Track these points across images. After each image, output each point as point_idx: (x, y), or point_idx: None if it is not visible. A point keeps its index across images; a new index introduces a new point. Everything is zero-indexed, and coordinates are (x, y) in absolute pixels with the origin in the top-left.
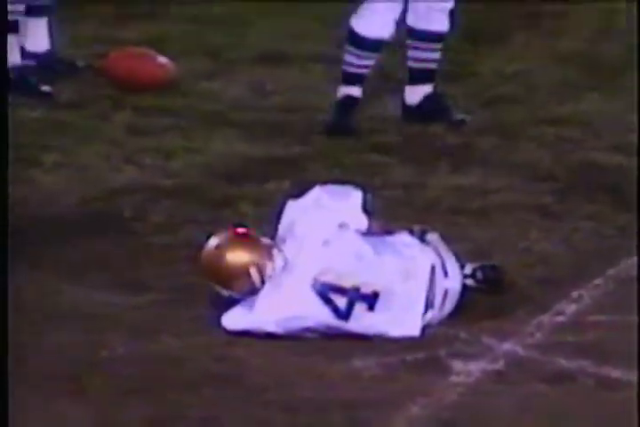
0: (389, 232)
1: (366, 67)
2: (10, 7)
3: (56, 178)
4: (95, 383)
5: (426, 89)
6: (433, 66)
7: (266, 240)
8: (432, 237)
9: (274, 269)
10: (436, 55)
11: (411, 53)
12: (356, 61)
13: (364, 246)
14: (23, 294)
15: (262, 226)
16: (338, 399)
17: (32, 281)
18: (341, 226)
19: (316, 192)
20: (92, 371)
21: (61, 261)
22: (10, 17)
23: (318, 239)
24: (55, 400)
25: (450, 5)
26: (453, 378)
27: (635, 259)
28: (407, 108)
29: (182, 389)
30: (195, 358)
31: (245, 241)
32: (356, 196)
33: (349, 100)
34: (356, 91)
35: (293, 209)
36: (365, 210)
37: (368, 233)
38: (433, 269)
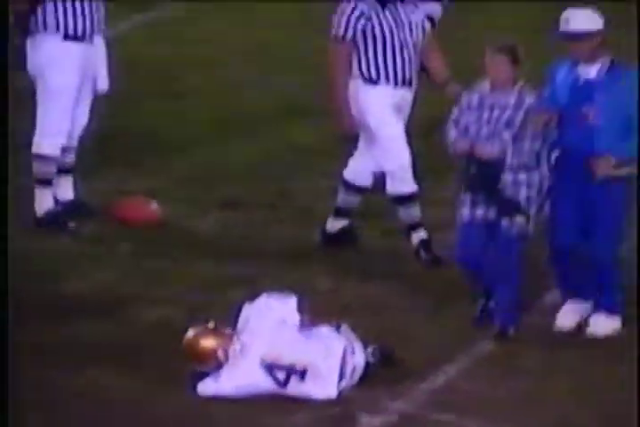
0: (315, 325)
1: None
2: (45, 168)
3: (80, 286)
4: None
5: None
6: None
7: (228, 331)
8: (344, 328)
9: (234, 351)
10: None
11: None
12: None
13: (297, 336)
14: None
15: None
16: None
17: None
18: (282, 322)
19: (264, 298)
20: None
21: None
22: (46, 176)
23: (265, 331)
24: None
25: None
26: None
27: None
28: (326, 235)
29: None
30: (179, 413)
31: (214, 332)
32: (292, 300)
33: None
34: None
35: (248, 309)
36: (298, 310)
37: (300, 326)
38: (344, 350)
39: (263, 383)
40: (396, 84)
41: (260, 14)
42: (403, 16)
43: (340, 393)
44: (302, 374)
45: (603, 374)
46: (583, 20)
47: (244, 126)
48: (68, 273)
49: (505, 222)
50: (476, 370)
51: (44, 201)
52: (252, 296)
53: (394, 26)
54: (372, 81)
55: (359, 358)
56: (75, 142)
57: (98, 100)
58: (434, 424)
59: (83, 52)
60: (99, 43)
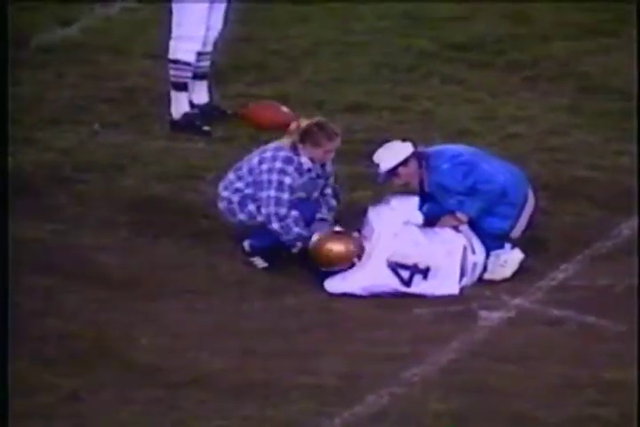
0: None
1: None
2: (182, 73)
3: (214, 189)
4: None
5: None
6: None
7: (355, 234)
8: (463, 227)
9: (360, 253)
10: None
11: None
12: None
13: (420, 236)
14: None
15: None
16: (405, 338)
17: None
18: (406, 223)
19: (387, 199)
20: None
21: None
22: (182, 80)
23: (390, 232)
24: None
25: None
26: (481, 322)
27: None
28: None
29: (298, 332)
30: (307, 310)
31: (341, 235)
32: (414, 200)
33: None
34: None
35: (372, 211)
36: (420, 209)
37: (422, 225)
38: (464, 248)
39: (389, 283)
40: None
41: None
42: None
43: (461, 290)
44: (425, 273)
45: None
46: (388, 157)
47: (366, 31)
48: (202, 173)
49: None
50: (594, 269)
51: (180, 105)
52: (376, 198)
53: None
54: None
55: (479, 256)
56: (209, 48)
57: (231, 8)
58: (552, 319)
59: None
60: None
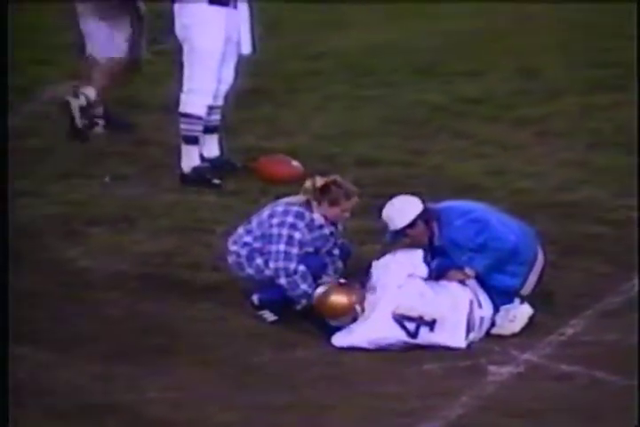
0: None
1: None
2: (193, 127)
3: (224, 243)
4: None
5: None
6: None
7: (358, 286)
8: (470, 281)
9: (366, 305)
10: None
11: None
12: None
13: (426, 288)
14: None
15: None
16: (414, 392)
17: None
18: (410, 275)
19: (391, 253)
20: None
21: None
22: (192, 133)
23: (395, 285)
24: None
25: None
26: (490, 377)
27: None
28: None
29: (306, 384)
30: (316, 363)
31: (344, 287)
32: (418, 253)
33: None
34: None
35: (377, 265)
36: (425, 262)
37: (427, 278)
38: (471, 302)
39: (395, 335)
40: None
41: None
42: None
43: (469, 345)
44: (431, 325)
45: None
46: (397, 217)
47: (377, 85)
48: (213, 227)
49: None
50: (603, 324)
51: (190, 158)
52: (382, 252)
53: None
54: None
55: (486, 311)
56: (220, 102)
57: (241, 61)
58: (561, 375)
59: (227, 15)
60: (243, 7)
